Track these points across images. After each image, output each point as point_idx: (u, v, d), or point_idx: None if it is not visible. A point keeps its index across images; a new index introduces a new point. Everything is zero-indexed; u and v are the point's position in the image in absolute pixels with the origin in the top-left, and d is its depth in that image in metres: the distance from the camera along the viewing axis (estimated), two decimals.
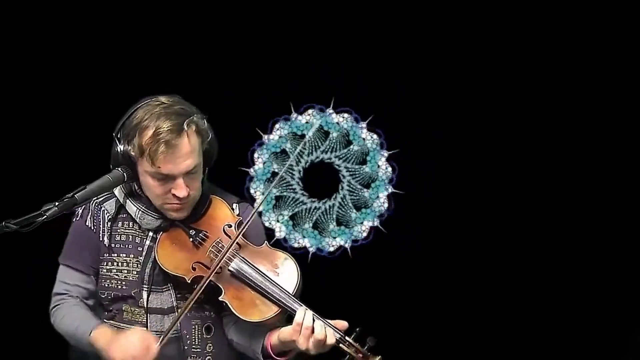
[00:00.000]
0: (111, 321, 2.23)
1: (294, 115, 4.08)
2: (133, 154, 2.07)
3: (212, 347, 2.21)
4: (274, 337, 2.09)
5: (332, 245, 4.11)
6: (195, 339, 2.20)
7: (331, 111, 4.06)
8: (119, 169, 2.07)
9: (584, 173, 3.96)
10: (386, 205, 4.10)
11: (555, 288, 3.98)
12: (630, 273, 3.92)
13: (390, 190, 4.09)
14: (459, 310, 4.01)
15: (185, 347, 2.18)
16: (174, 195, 2.08)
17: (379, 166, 4.10)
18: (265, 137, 4.08)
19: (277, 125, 4.09)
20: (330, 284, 3.97)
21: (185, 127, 2.05)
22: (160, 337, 2.09)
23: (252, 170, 4.07)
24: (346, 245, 4.09)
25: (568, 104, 3.96)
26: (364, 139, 4.08)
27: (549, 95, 3.98)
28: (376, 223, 4.09)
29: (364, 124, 4.06)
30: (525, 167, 4.01)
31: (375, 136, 4.09)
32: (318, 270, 4.04)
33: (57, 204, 1.89)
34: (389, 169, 4.10)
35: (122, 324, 2.20)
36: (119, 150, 2.09)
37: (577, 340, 3.98)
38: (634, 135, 3.94)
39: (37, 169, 3.80)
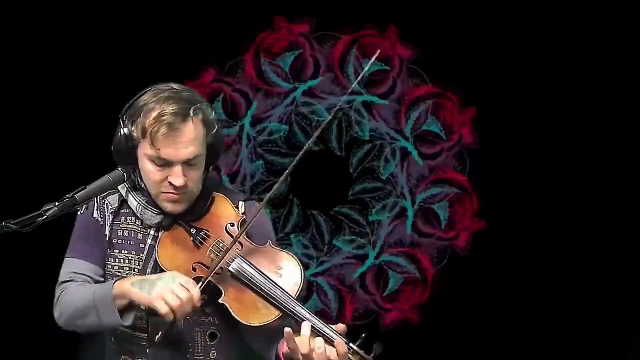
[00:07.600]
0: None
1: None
2: (135, 135, 2.01)
3: (215, 354, 2.13)
4: (285, 347, 1.95)
5: None
6: (198, 345, 2.12)
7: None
8: (119, 168, 2.05)
9: (583, 172, 3.96)
10: None
11: (554, 288, 3.98)
12: (629, 273, 3.92)
13: None
14: (457, 311, 4.01)
15: (188, 355, 2.11)
16: (170, 183, 2.01)
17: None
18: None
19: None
20: None
21: (191, 112, 2.00)
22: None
23: None
24: None
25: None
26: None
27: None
28: None
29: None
30: (521, 166, 4.02)
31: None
32: None
33: (57, 204, 1.88)
34: None
35: (121, 328, 2.12)
36: (121, 133, 2.04)
37: (576, 341, 3.98)
38: (633, 135, 3.95)
39: (37, 169, 3.80)
